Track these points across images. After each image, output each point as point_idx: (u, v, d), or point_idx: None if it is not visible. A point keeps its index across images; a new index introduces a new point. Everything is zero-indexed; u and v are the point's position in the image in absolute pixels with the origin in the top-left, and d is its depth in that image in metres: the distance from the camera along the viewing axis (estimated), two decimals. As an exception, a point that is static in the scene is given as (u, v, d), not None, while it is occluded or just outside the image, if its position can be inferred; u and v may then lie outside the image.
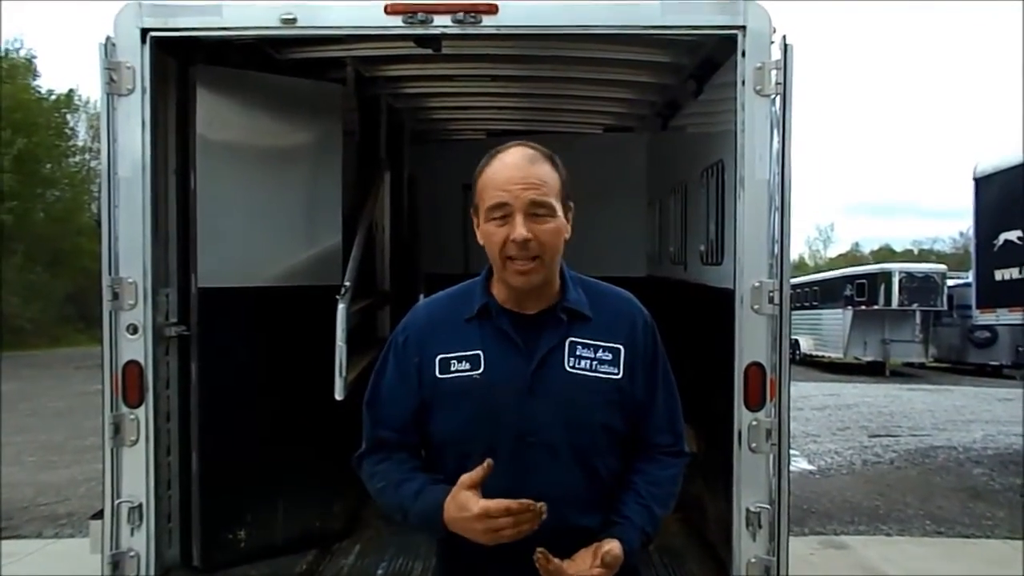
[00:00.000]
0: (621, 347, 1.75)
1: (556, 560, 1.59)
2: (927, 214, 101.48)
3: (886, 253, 58.38)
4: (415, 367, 1.76)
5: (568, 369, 1.71)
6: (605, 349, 1.74)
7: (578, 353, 1.72)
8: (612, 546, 1.63)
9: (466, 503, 1.58)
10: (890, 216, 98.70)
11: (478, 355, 1.71)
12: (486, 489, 1.60)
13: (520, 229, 1.64)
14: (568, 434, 1.70)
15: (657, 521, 1.76)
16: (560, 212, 1.70)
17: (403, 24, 3.27)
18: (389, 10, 3.26)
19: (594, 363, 1.72)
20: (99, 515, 3.36)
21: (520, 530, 1.55)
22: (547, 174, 1.70)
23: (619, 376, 1.73)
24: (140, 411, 3.30)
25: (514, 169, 1.68)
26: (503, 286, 1.75)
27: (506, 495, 1.59)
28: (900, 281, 20.14)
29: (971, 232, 11.92)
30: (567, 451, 1.70)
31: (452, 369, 1.72)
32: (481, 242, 1.74)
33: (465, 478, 1.60)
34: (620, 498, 1.75)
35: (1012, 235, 10.02)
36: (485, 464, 1.58)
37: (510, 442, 1.68)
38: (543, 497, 1.60)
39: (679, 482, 1.85)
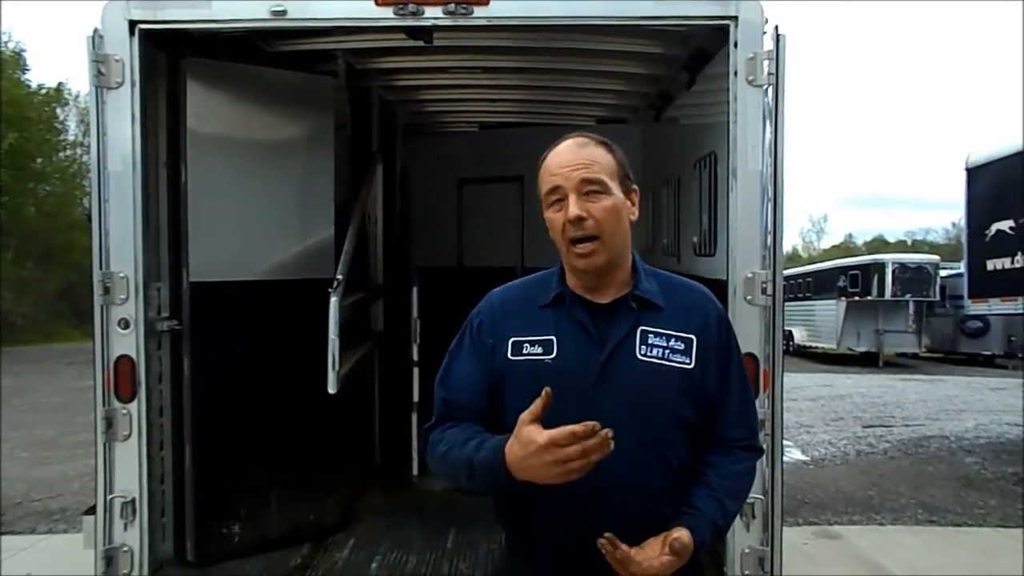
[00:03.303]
0: (693, 337, 1.73)
1: (624, 547, 1.56)
2: (920, 205, 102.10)
3: (879, 244, 58.61)
4: (488, 348, 1.77)
5: (639, 357, 1.70)
6: (677, 339, 1.72)
7: (650, 341, 1.71)
8: (681, 534, 1.60)
9: (530, 436, 1.51)
10: (883, 207, 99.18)
11: (551, 340, 1.72)
12: None
13: (573, 208, 1.68)
14: (637, 423, 1.67)
15: (729, 515, 1.75)
16: (616, 191, 1.73)
17: (394, 16, 3.25)
18: (380, 2, 3.24)
19: (666, 352, 1.71)
20: (92, 510, 3.36)
21: (589, 460, 1.48)
22: (598, 155, 1.74)
23: (691, 366, 1.71)
24: (132, 406, 3.28)
25: (564, 153, 1.73)
26: (574, 275, 1.77)
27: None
28: (893, 272, 20.21)
29: (963, 223, 11.95)
30: (635, 440, 1.66)
31: (524, 352, 1.73)
32: (551, 234, 1.77)
33: (525, 414, 1.54)
34: (691, 490, 1.72)
35: (1004, 225, 10.05)
36: (544, 393, 1.52)
37: None
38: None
39: (752, 476, 1.83)
